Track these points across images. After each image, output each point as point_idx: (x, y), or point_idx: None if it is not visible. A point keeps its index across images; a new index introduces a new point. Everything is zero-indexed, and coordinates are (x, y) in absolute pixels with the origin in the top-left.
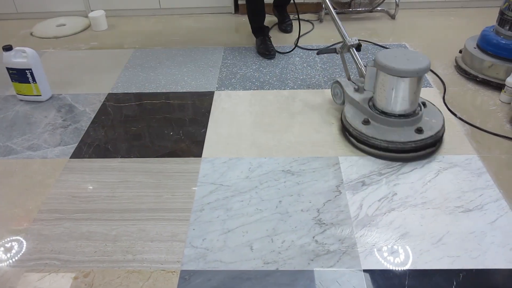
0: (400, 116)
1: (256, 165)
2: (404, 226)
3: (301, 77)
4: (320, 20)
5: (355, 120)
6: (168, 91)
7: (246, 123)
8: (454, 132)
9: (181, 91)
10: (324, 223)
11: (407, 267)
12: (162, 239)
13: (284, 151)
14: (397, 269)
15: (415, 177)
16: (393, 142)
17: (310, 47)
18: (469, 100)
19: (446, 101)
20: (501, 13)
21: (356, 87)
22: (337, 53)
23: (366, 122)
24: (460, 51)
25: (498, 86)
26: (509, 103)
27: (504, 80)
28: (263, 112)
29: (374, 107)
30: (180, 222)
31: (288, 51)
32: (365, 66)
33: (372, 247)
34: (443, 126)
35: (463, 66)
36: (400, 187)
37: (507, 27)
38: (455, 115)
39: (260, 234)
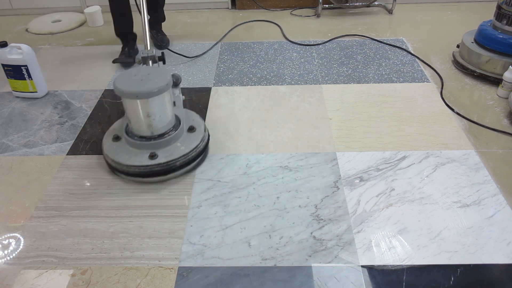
0: (141, 138)
1: (253, 161)
2: (401, 221)
3: (299, 73)
4: (317, 15)
5: (108, 136)
6: None
7: (243, 119)
8: (452, 127)
9: None
10: (322, 219)
11: (405, 262)
12: (159, 235)
13: (281, 147)
14: (395, 264)
15: (412, 173)
16: (120, 164)
17: (307, 43)
18: (467, 95)
19: (443, 96)
20: (499, 7)
21: None
22: (137, 63)
23: (115, 139)
24: (458, 46)
25: (496, 81)
26: (507, 98)
27: (502, 75)
28: (261, 108)
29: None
30: (177, 219)
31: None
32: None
33: (370, 243)
34: (189, 154)
35: (461, 60)
36: (398, 182)
37: (505, 22)
38: (452, 110)
39: (258, 230)
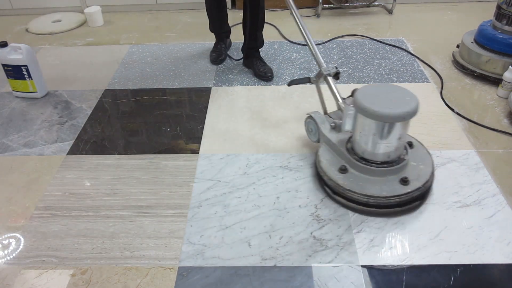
0: (383, 163)
1: (253, 161)
2: (401, 221)
3: (299, 73)
4: (317, 15)
5: (330, 167)
6: (165, 87)
7: (243, 119)
8: (452, 127)
9: (178, 87)
10: (322, 219)
11: (405, 262)
12: (159, 235)
13: (281, 147)
14: (395, 264)
15: None
16: (373, 197)
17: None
18: (467, 95)
19: (443, 96)
20: (498, 7)
21: (333, 124)
22: (312, 83)
23: (343, 170)
24: (458, 46)
25: (496, 81)
26: (507, 98)
27: (501, 75)
28: (261, 108)
29: (353, 150)
30: (177, 219)
31: (237, 59)
32: (343, 100)
33: (370, 243)
34: (433, 173)
35: (461, 61)
36: None
37: (505, 22)
38: (452, 110)
39: (258, 230)
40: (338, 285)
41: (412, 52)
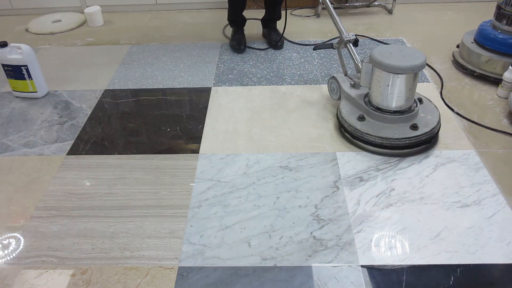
0: (395, 112)
1: (253, 161)
2: (401, 221)
3: (299, 73)
4: (317, 15)
5: (350, 116)
6: (165, 87)
7: (243, 119)
8: (452, 127)
9: (178, 87)
10: (322, 219)
11: (405, 262)
12: (159, 235)
13: (281, 147)
14: (395, 264)
15: (412, 173)
16: (387, 139)
17: (307, 43)
18: (467, 95)
19: (443, 96)
20: (498, 7)
21: (352, 82)
22: (334, 48)
23: (361, 118)
24: (458, 46)
25: (495, 81)
26: (507, 98)
27: (501, 75)
28: (261, 108)
29: (369, 103)
30: (177, 219)
31: (262, 48)
32: (361, 62)
33: (370, 243)
34: (439, 122)
35: (461, 60)
36: (398, 182)
37: (504, 22)
38: (452, 110)
39: (258, 230)
40: (338, 285)
41: None
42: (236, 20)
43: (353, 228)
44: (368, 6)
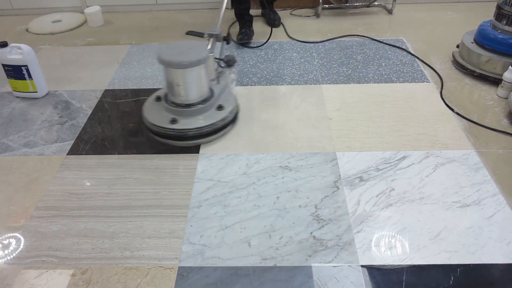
0: (188, 105)
1: (253, 161)
2: (401, 221)
3: (298, 73)
4: (317, 15)
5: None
6: None
7: (243, 119)
8: (452, 127)
9: None
10: (322, 219)
11: (405, 262)
12: (159, 235)
13: (281, 147)
14: (395, 264)
15: (412, 173)
16: (146, 120)
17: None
18: (466, 95)
19: (443, 96)
20: (498, 7)
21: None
22: (204, 38)
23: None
24: (458, 46)
25: (495, 81)
26: (506, 98)
27: (501, 75)
28: (261, 108)
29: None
30: (177, 219)
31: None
32: (221, 59)
33: (370, 243)
34: (202, 128)
35: (460, 60)
36: (398, 182)
37: (504, 22)
38: (452, 110)
39: (258, 230)
40: (338, 285)
41: (412, 52)
42: (242, 16)
43: (353, 228)
44: (368, 6)
